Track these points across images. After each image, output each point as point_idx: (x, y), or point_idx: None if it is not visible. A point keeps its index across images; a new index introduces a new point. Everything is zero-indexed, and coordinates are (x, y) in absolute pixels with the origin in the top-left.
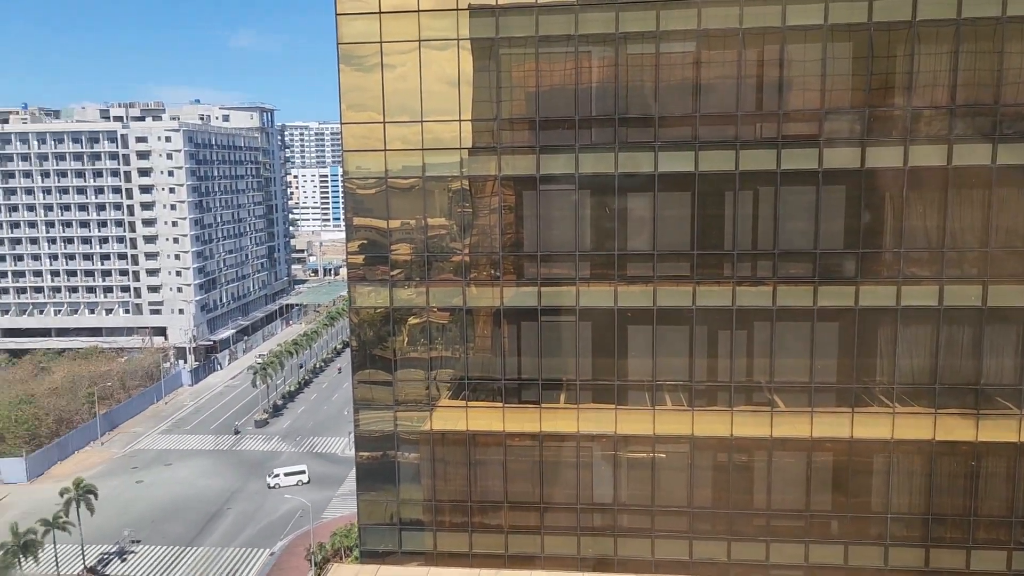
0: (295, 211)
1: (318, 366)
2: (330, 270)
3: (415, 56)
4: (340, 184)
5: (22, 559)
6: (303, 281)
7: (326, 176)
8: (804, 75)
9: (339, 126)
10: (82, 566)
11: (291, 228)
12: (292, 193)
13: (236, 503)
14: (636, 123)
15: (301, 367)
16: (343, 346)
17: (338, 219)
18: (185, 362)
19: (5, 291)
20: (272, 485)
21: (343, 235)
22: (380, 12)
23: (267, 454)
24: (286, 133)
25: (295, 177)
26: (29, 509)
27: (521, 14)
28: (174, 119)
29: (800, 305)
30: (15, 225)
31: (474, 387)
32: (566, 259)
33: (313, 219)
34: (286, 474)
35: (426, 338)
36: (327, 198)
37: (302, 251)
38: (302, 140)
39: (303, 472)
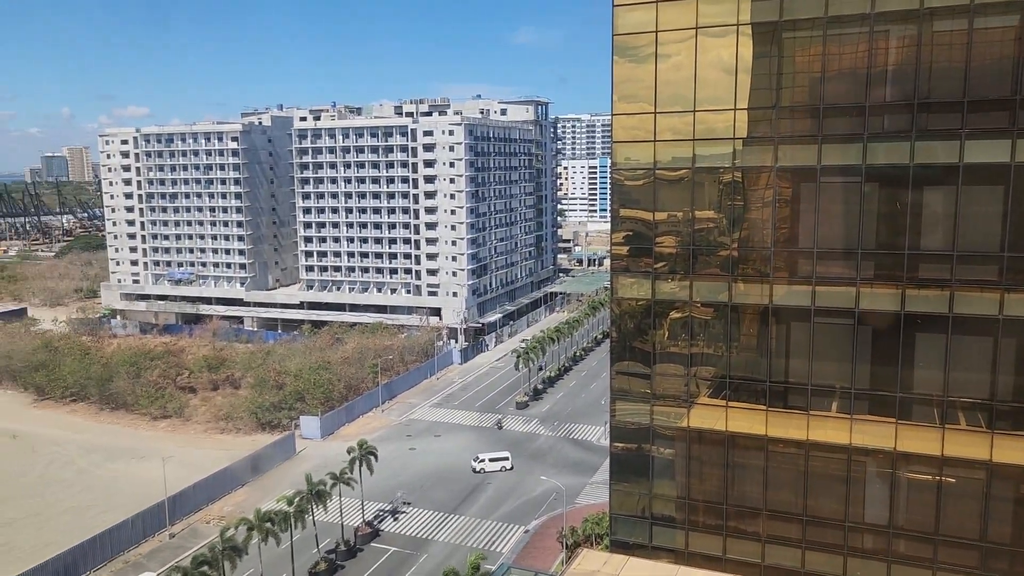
0: (563, 202)
1: (578, 354)
2: (594, 260)
3: (691, 44)
4: (608, 175)
5: (314, 505)
6: (568, 270)
7: (595, 167)
8: None
9: (610, 118)
10: (361, 519)
11: (559, 218)
12: (561, 184)
13: (495, 478)
14: (939, 108)
15: (562, 354)
16: (603, 336)
17: (604, 210)
18: (456, 342)
19: (311, 269)
20: (477, 469)
21: (608, 226)
22: (657, 1)
23: (526, 435)
24: (559, 125)
25: (565, 168)
26: (321, 463)
27: None
28: (457, 114)
29: None
30: (321, 210)
31: (736, 387)
32: (846, 257)
33: (580, 210)
34: (491, 459)
35: (687, 333)
36: (595, 189)
37: (568, 241)
38: (574, 132)
39: (507, 458)
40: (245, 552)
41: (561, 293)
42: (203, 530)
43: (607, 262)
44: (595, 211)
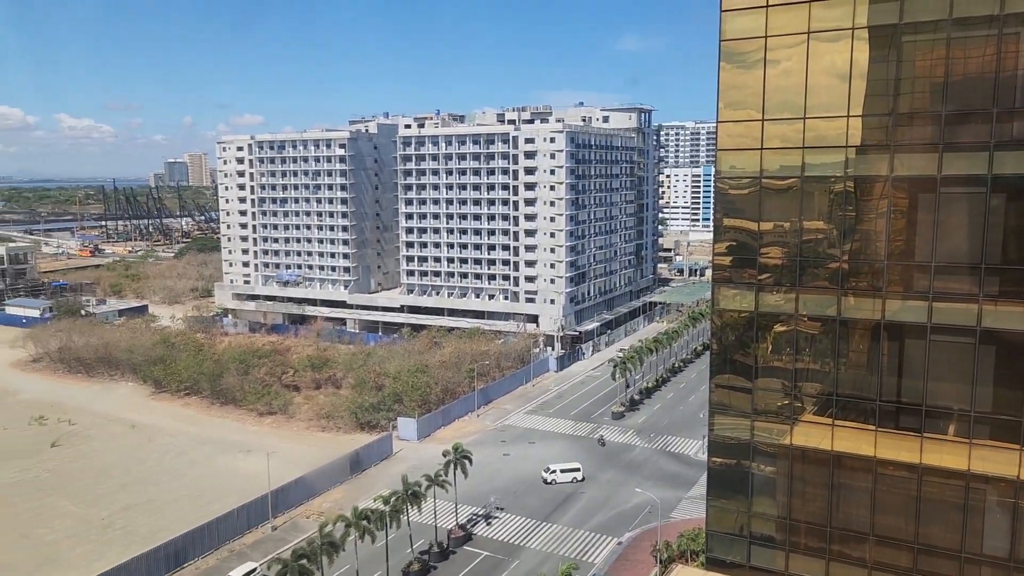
0: (665, 210)
1: (677, 366)
2: (695, 270)
3: (802, 50)
4: (711, 184)
5: (409, 506)
6: (668, 280)
7: (698, 176)
8: None
9: (714, 125)
10: (454, 521)
11: (660, 227)
12: (663, 192)
13: (589, 488)
14: None
15: (660, 365)
16: (703, 348)
17: (707, 219)
18: (552, 349)
19: (412, 273)
20: (548, 480)
21: (710, 236)
22: (767, 6)
23: (621, 446)
24: (662, 133)
25: (667, 176)
26: (416, 464)
27: None
28: (559, 121)
29: None
30: (423, 216)
31: (843, 405)
32: (967, 272)
33: (682, 219)
34: (562, 470)
35: (792, 347)
36: (697, 198)
37: (669, 250)
38: (677, 140)
39: (578, 469)
40: (342, 548)
41: (660, 303)
42: (303, 524)
43: (708, 272)
44: (697, 220)
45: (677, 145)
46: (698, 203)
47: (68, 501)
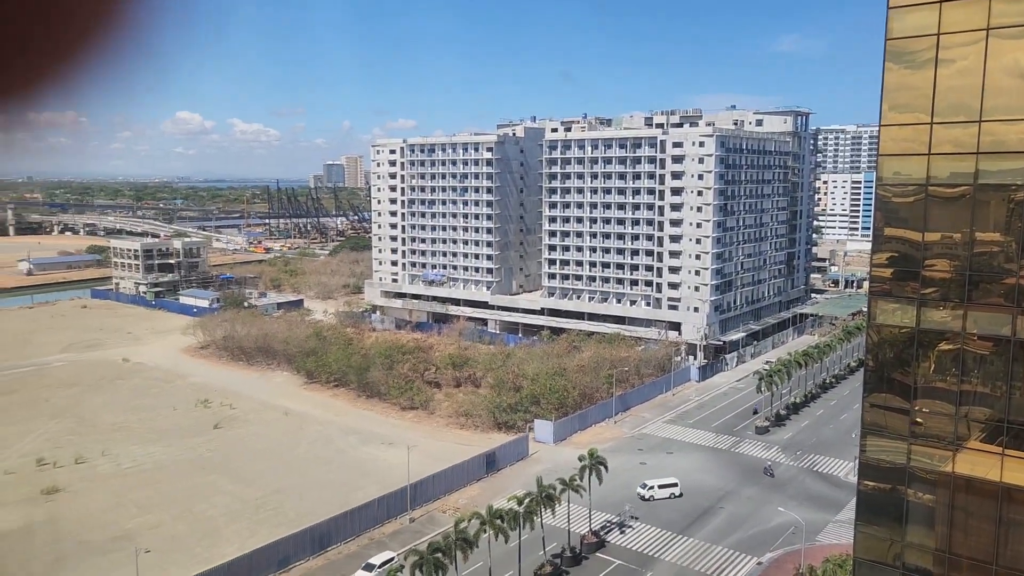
0: (820, 218)
1: (828, 381)
2: (852, 282)
3: (979, 47)
4: (872, 191)
5: (543, 508)
6: (821, 291)
7: (858, 182)
8: None
9: (877, 129)
10: (588, 528)
11: (814, 236)
12: (819, 199)
13: (729, 503)
14: None
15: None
16: (858, 364)
17: (867, 228)
18: (694, 358)
19: (553, 276)
20: (645, 496)
21: (869, 246)
22: (941, 1)
23: (765, 462)
24: (820, 137)
25: (824, 183)
26: (551, 467)
27: None
28: (709, 125)
29: None
30: (566, 220)
31: (1015, 433)
32: None
33: (839, 227)
34: (660, 486)
35: (957, 368)
36: (857, 206)
37: (823, 260)
38: (836, 144)
39: (675, 485)
40: (476, 545)
41: (812, 315)
42: (439, 519)
43: (866, 284)
44: (856, 229)
45: (836, 150)
46: (857, 211)
47: (226, 480)
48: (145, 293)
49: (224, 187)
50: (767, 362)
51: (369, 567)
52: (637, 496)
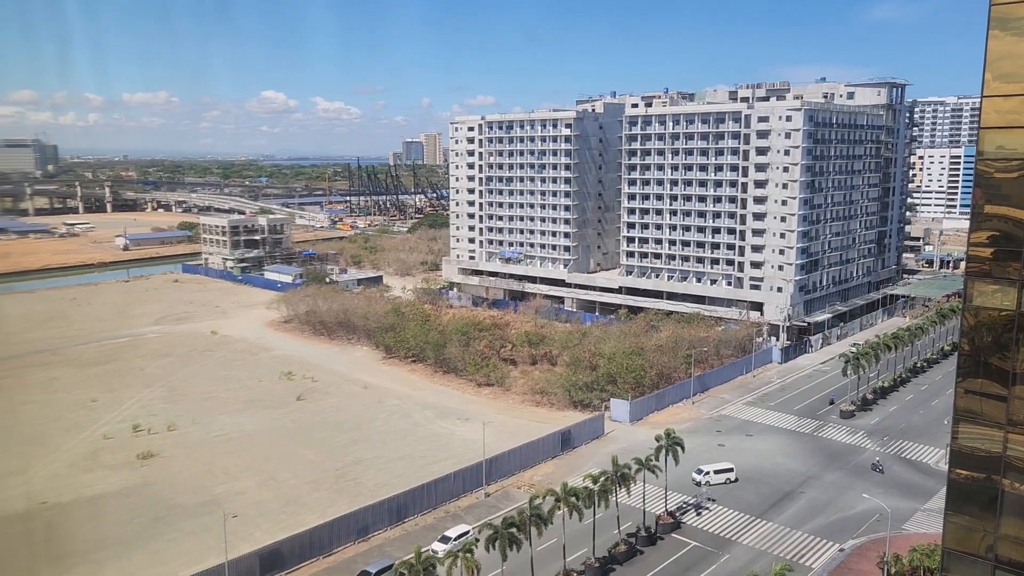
0: (915, 195)
1: (919, 365)
2: (948, 262)
3: None
4: (973, 166)
5: (618, 487)
6: (914, 272)
7: (957, 157)
8: None
9: (979, 101)
10: (663, 508)
11: (907, 213)
12: (914, 175)
13: (810, 488)
14: None
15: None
16: (952, 348)
17: (965, 206)
18: (777, 339)
19: (632, 255)
20: (700, 482)
21: (967, 224)
22: None
23: (849, 447)
24: (917, 110)
25: (920, 158)
26: (627, 446)
27: None
28: (797, 98)
29: None
30: (646, 197)
31: None
32: None
33: (936, 205)
34: (716, 471)
35: None
36: (955, 182)
37: (917, 239)
38: (934, 117)
39: (731, 470)
40: (550, 522)
41: (903, 296)
42: (514, 494)
43: (963, 265)
44: (954, 207)
45: (934, 123)
46: (956, 188)
47: (308, 450)
48: (232, 268)
49: (307, 165)
50: (854, 344)
51: (445, 539)
52: (693, 483)
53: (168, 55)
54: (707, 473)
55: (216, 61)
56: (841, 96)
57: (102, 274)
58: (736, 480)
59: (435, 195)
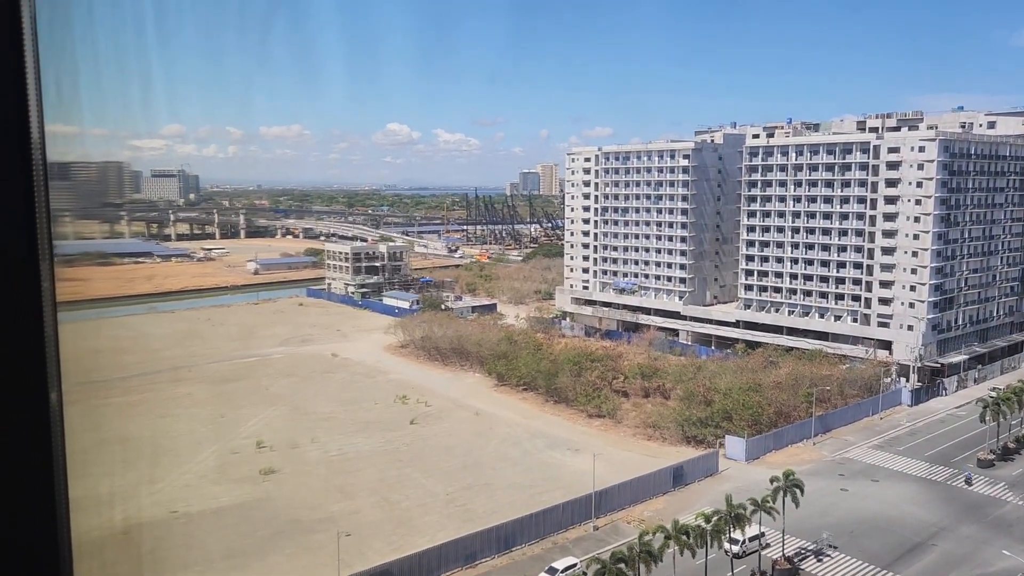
0: None
1: None
2: None
3: None
4: None
5: (731, 527)
6: None
7: None
8: None
9: None
10: (781, 552)
11: None
12: None
13: (942, 541)
14: None
15: None
16: None
17: None
18: (907, 380)
19: (750, 288)
20: (737, 552)
21: None
22: None
23: (987, 499)
24: None
25: None
26: (742, 486)
27: None
28: (931, 128)
29: None
30: (766, 229)
31: None
32: None
33: None
34: (749, 539)
35: None
36: None
37: None
38: None
39: (762, 535)
40: (660, 559)
41: None
42: (623, 529)
43: None
44: None
45: None
46: None
47: (420, 474)
48: (353, 293)
49: (427, 194)
50: (994, 389)
51: (552, 571)
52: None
53: (304, 91)
54: (742, 543)
55: (348, 96)
56: (981, 126)
57: (234, 296)
58: (767, 546)
59: (550, 225)
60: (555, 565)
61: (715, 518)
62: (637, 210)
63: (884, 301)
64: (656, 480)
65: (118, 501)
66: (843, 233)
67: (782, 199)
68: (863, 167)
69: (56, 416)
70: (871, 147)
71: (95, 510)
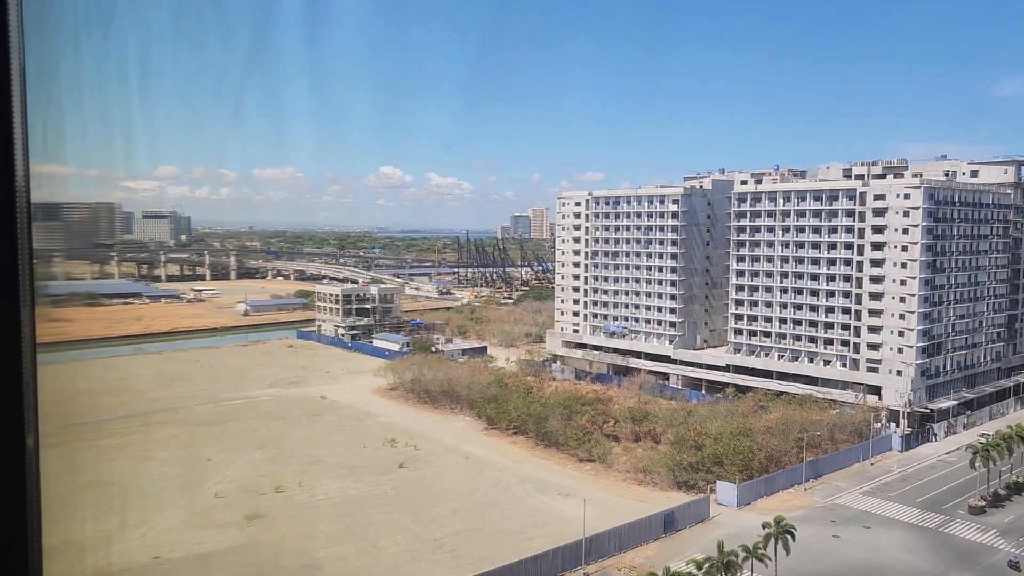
0: None
1: None
2: None
3: None
4: None
5: (723, 574)
6: None
7: None
8: None
9: None
10: None
11: None
12: None
13: None
14: None
15: None
16: None
17: None
18: (896, 426)
19: (740, 332)
20: None
21: None
22: None
23: (979, 546)
24: None
25: None
26: (733, 532)
27: None
28: (915, 176)
29: None
30: (755, 274)
31: None
32: None
33: None
34: None
35: None
36: None
37: None
38: None
39: None
40: None
41: None
42: None
43: None
44: None
45: None
46: None
47: (408, 519)
48: (343, 335)
49: (418, 237)
50: (983, 435)
51: None
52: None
53: (297, 135)
54: None
55: (341, 140)
56: (964, 174)
57: (223, 338)
58: None
59: (541, 268)
60: None
61: (707, 565)
62: (627, 254)
63: (873, 346)
64: (647, 526)
65: (98, 547)
66: (831, 278)
67: (770, 244)
68: (849, 213)
69: (32, 460)
70: (857, 194)
71: (70, 557)
